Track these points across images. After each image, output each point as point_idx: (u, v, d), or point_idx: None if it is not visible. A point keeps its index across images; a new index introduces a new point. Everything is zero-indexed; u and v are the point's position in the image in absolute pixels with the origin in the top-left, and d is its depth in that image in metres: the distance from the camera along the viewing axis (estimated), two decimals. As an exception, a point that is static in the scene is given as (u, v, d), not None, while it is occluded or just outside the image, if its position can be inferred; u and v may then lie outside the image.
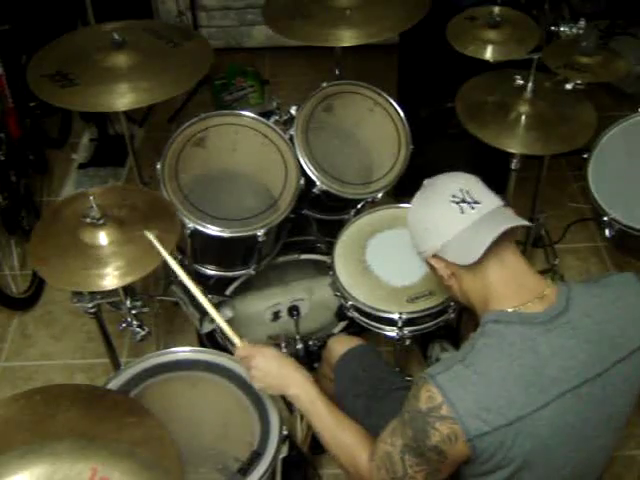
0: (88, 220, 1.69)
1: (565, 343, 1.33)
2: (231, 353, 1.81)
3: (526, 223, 1.46)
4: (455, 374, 1.32)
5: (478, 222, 1.42)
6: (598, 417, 1.37)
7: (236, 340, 1.64)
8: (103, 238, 1.69)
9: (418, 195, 1.57)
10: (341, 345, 1.86)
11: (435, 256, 1.49)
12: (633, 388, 1.40)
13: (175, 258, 2.09)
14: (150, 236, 1.67)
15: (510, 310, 1.37)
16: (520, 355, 1.31)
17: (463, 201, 1.44)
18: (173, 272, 1.69)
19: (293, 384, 1.59)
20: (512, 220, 1.44)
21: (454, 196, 1.45)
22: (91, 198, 1.68)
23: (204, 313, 2.05)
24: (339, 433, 1.54)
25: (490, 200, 1.47)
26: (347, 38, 2.17)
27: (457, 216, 1.44)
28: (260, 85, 3.56)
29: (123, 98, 1.91)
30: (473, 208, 1.44)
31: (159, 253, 1.67)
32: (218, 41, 3.87)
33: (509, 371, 1.31)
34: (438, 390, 1.30)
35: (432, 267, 1.55)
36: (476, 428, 1.28)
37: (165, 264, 1.69)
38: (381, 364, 1.86)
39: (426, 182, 1.58)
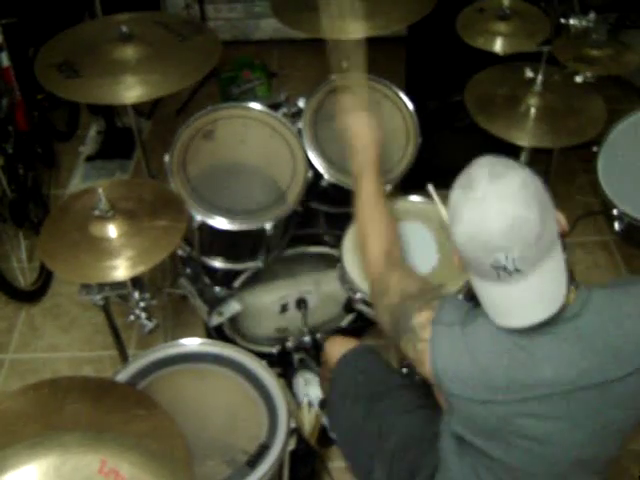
0: (97, 213, 1.69)
1: (567, 349, 1.29)
2: (238, 345, 1.80)
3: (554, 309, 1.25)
4: (451, 335, 1.33)
5: (513, 296, 1.26)
6: (590, 425, 1.33)
7: None
8: (112, 230, 1.69)
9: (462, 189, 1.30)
10: (338, 348, 1.85)
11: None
12: (637, 403, 1.34)
13: (183, 251, 2.10)
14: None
15: None
16: (511, 349, 1.29)
17: (504, 269, 1.23)
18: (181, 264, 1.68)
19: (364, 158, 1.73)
20: (550, 305, 1.25)
21: (497, 261, 1.23)
22: (100, 191, 1.68)
23: (213, 306, 2.04)
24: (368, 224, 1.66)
25: (536, 271, 1.24)
26: (355, 30, 2.15)
27: (492, 279, 1.26)
28: (267, 78, 3.55)
29: (131, 91, 1.90)
30: (511, 277, 1.24)
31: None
32: (225, 34, 3.86)
33: (497, 361, 1.30)
34: (430, 335, 1.34)
35: None
36: (448, 387, 1.33)
37: (173, 257, 1.69)
38: (380, 364, 1.86)
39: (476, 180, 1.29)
